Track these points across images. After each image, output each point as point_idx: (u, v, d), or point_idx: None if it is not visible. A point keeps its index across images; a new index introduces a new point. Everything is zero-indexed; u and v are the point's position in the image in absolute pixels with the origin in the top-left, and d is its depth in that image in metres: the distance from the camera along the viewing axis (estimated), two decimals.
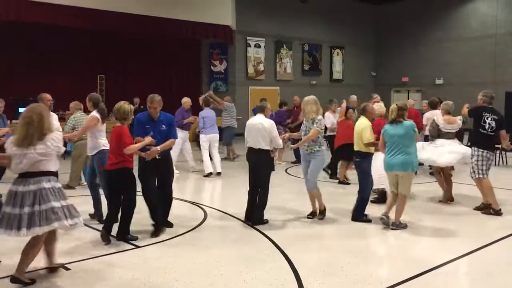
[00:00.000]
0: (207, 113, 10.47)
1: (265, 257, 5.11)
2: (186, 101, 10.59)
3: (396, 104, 6.20)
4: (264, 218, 6.42)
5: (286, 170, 10.98)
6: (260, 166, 6.35)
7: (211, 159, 10.28)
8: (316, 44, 22.67)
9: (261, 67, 20.65)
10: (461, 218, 6.74)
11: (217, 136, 10.44)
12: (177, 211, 7.20)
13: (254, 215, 6.38)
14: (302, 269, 4.71)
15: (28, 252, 4.31)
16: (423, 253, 5.30)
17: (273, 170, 6.55)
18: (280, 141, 6.43)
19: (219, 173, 10.15)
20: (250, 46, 20.23)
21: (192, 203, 7.67)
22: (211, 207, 7.35)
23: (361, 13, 24.18)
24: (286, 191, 8.68)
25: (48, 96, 7.29)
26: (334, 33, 23.24)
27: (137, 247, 5.41)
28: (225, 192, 9.17)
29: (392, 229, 6.08)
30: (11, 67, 14.91)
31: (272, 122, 6.40)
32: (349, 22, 23.62)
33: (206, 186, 9.70)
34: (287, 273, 4.63)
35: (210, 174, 10.13)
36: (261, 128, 6.27)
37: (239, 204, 7.74)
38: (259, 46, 20.52)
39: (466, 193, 8.13)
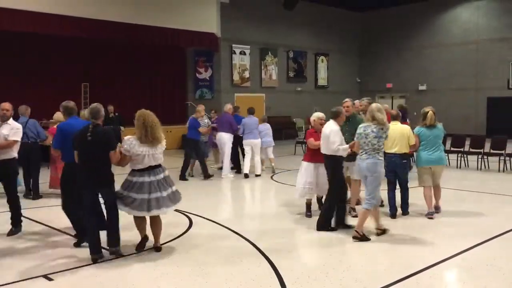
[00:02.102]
0: (247, 120, 11.01)
1: (250, 264, 5.11)
2: (230, 107, 11.23)
3: (432, 111, 7.01)
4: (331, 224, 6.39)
5: (271, 177, 10.99)
6: (327, 170, 6.43)
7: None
8: (301, 51, 22.82)
9: (247, 74, 20.71)
10: (444, 222, 6.81)
11: (256, 141, 10.96)
12: (161, 218, 7.17)
13: (336, 216, 6.42)
14: (287, 275, 4.71)
15: (157, 228, 5.51)
16: (406, 258, 5.34)
17: (340, 174, 6.44)
18: (335, 147, 6.17)
19: (258, 175, 10.91)
20: (235, 53, 20.28)
21: (177, 210, 7.62)
22: (195, 215, 7.31)
23: (346, 20, 24.43)
24: (271, 198, 8.68)
25: (3, 105, 6.50)
26: (319, 40, 23.43)
27: (121, 256, 5.37)
28: (210, 200, 9.13)
29: (435, 214, 7.04)
30: None
31: (333, 128, 6.22)
32: (333, 29, 23.84)
33: (191, 194, 9.66)
34: (272, 279, 4.63)
35: (246, 175, 10.93)
36: (323, 135, 6.32)
37: (224, 211, 7.75)
38: (244, 53, 20.58)
39: (451, 197, 8.22)
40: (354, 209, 7.07)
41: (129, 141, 5.19)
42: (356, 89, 25.03)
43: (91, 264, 5.10)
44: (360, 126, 6.04)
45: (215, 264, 5.14)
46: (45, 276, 4.73)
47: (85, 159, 5.19)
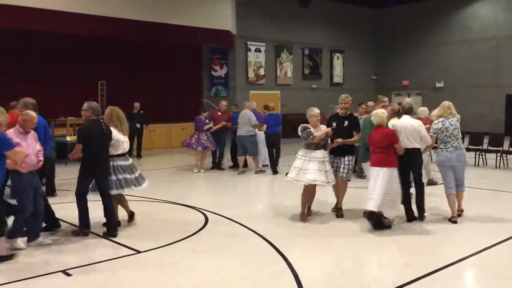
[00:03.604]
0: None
1: (266, 261, 5.11)
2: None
3: None
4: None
5: (286, 174, 10.95)
6: (414, 164, 6.58)
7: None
8: (316, 48, 22.72)
9: (262, 71, 20.69)
10: (462, 220, 6.71)
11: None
12: (177, 216, 7.22)
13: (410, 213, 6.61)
14: (303, 273, 4.70)
15: (123, 204, 6.53)
16: (424, 256, 5.29)
17: (421, 166, 6.82)
18: (430, 138, 6.53)
19: (267, 166, 11.44)
20: (250, 50, 20.27)
21: (192, 207, 7.67)
22: (211, 212, 7.33)
23: (361, 17, 24.23)
24: (286, 195, 8.67)
25: None
26: (334, 37, 23.30)
27: (138, 252, 5.42)
28: (225, 197, 9.16)
29: None
30: (12, 74, 14.89)
31: (420, 122, 6.62)
32: (349, 26, 23.67)
33: (206, 191, 9.70)
34: (288, 277, 4.63)
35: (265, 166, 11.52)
36: (411, 129, 6.47)
37: (240, 209, 7.75)
38: (260, 51, 20.57)
39: (469, 196, 8.11)
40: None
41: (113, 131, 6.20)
42: (371, 87, 24.84)
43: (109, 260, 5.16)
44: (436, 122, 6.51)
45: (231, 261, 5.16)
46: (64, 272, 4.79)
47: (96, 150, 5.89)
